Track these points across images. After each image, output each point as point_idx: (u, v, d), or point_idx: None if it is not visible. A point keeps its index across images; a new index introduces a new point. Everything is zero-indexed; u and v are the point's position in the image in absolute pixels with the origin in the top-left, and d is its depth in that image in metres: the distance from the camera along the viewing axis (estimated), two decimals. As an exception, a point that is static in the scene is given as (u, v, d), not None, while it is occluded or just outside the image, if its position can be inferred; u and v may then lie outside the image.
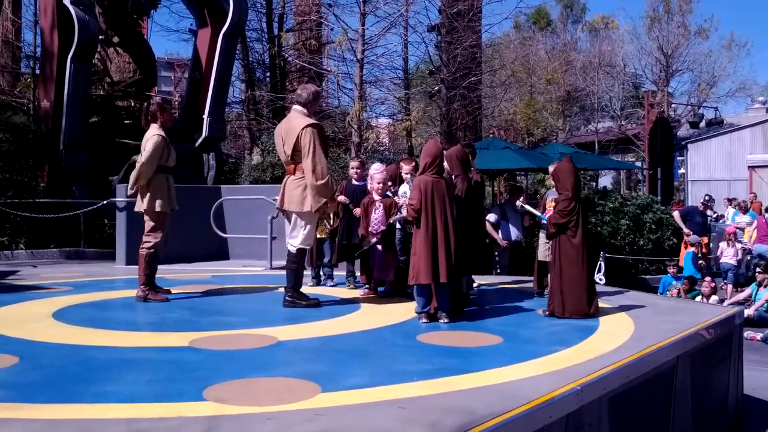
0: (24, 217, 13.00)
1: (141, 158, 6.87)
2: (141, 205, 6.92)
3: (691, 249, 14.54)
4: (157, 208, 6.87)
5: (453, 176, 6.41)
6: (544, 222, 6.88)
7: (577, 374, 4.08)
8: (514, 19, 34.64)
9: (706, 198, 17.25)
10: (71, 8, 14.26)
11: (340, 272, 8.14)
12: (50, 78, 14.73)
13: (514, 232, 10.34)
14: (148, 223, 6.97)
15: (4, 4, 18.63)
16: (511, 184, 15.80)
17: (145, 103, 7.38)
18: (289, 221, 6.61)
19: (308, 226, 6.48)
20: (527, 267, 10.33)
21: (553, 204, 6.47)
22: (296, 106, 6.59)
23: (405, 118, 21.06)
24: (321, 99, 6.77)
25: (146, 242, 6.96)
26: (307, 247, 6.61)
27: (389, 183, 7.40)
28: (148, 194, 6.86)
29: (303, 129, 6.26)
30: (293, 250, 6.52)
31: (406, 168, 7.35)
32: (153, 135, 6.88)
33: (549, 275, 6.42)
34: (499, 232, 10.30)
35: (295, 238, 6.50)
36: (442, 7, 20.63)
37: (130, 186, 7.04)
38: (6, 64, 22.95)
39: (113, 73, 21.08)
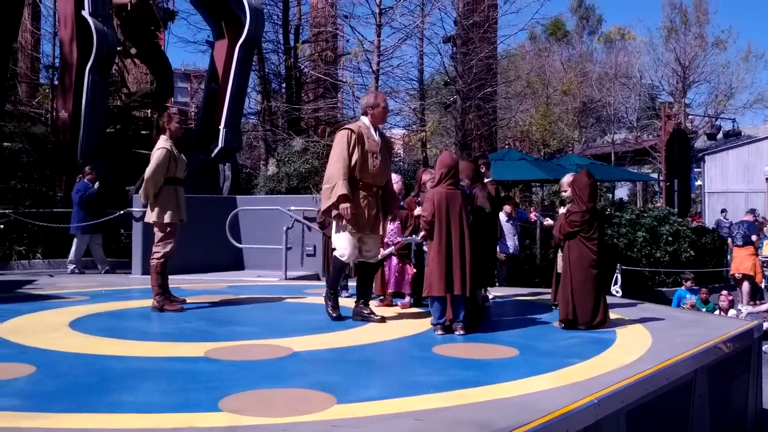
0: (41, 227, 13.09)
1: (145, 173, 6.91)
2: (150, 216, 6.97)
3: None
4: (166, 219, 6.90)
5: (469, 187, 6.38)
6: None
7: (594, 387, 4.04)
8: (530, 30, 34.61)
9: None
10: (90, 20, 14.39)
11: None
12: (69, 89, 14.85)
13: (511, 245, 10.28)
14: (157, 234, 7.01)
15: (23, 16, 18.83)
16: (505, 195, 15.59)
17: (155, 115, 7.45)
18: None
19: (337, 233, 6.35)
20: (525, 280, 10.28)
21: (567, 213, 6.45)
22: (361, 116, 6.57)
23: (420, 129, 21.09)
24: (382, 100, 6.46)
25: (155, 253, 7.00)
26: (340, 257, 6.35)
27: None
28: (157, 205, 6.90)
29: (337, 133, 6.34)
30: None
31: (425, 178, 7.36)
32: (157, 148, 6.92)
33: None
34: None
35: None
36: (457, 19, 20.68)
37: (142, 201, 7.10)
38: (25, 75, 23.19)
39: (130, 83, 21.27)
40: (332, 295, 6.55)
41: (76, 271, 11.82)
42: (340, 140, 6.19)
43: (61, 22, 15.67)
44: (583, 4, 48.23)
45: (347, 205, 6.02)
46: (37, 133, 14.94)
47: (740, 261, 14.66)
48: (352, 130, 6.20)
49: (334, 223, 6.42)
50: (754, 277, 14.35)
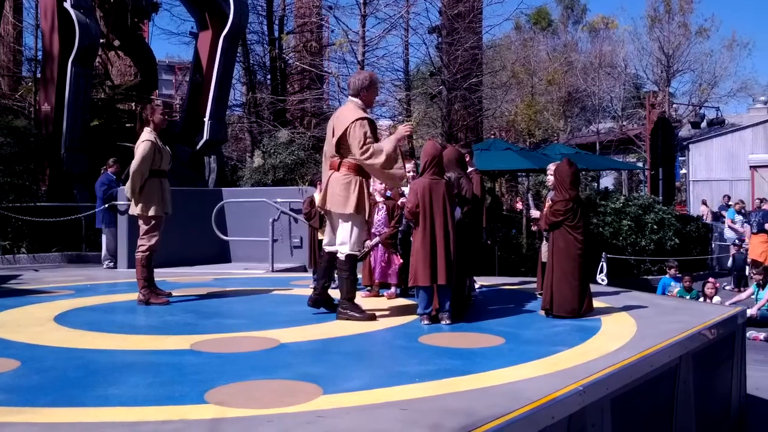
0: (25, 221, 13.01)
1: (131, 166, 6.87)
2: (134, 209, 6.93)
3: None
4: (150, 212, 6.86)
5: (456, 177, 6.38)
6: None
7: (579, 375, 4.07)
8: (515, 20, 34.60)
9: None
10: (72, 12, 14.26)
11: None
12: (51, 81, 14.73)
13: None
14: (142, 227, 6.98)
15: (5, 7, 18.63)
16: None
17: (139, 107, 7.39)
18: (332, 223, 6.11)
19: (355, 229, 5.91)
20: (511, 269, 10.32)
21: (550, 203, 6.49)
22: (350, 98, 6.08)
23: (406, 120, 21.07)
24: (376, 85, 6.19)
25: (140, 246, 6.97)
26: (358, 253, 6.02)
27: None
28: (142, 198, 6.85)
29: (353, 122, 5.78)
30: (341, 257, 5.97)
31: None
32: (142, 141, 6.88)
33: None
34: None
35: (344, 243, 5.94)
36: (442, 9, 20.66)
37: (128, 195, 7.01)
38: (7, 68, 22.97)
39: (114, 76, 21.09)
40: (352, 305, 6.02)
41: (111, 264, 11.62)
42: (363, 127, 5.76)
43: (42, 14, 15.52)
44: (567, -7, 48.28)
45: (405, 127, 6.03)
46: (19, 127, 14.84)
47: (754, 247, 15.53)
48: (369, 119, 5.89)
49: (341, 218, 5.94)
50: (762, 262, 14.85)
